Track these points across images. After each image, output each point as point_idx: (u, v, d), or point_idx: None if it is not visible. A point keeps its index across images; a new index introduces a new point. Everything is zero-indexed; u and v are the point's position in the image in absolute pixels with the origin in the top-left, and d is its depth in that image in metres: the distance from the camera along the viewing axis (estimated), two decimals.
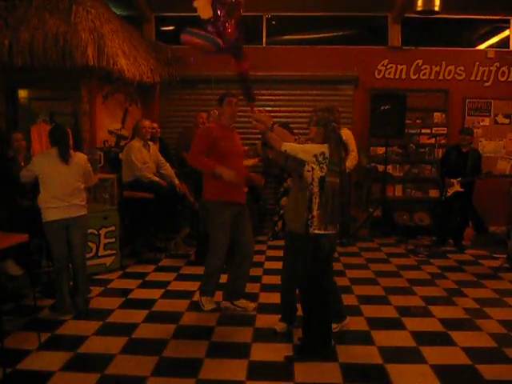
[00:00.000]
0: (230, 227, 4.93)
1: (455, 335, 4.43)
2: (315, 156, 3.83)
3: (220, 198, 4.85)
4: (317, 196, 3.85)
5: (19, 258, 5.20)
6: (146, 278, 6.04)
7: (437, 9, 7.69)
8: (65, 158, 4.78)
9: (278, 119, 8.77)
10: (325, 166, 3.81)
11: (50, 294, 5.26)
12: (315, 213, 3.85)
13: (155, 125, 7.63)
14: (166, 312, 5.00)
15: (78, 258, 4.97)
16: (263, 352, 4.08)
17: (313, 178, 3.87)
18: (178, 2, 4.82)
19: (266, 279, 6.05)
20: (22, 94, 7.53)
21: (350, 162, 7.92)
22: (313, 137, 4.00)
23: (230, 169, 4.75)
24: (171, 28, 9.79)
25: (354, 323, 4.70)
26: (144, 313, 4.93)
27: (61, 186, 4.76)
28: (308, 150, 3.89)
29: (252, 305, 5.08)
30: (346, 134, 7.96)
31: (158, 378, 3.67)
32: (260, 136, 8.42)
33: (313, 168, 3.86)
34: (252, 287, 5.66)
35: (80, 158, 5.05)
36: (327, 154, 3.81)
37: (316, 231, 3.85)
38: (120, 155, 7.08)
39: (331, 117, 3.95)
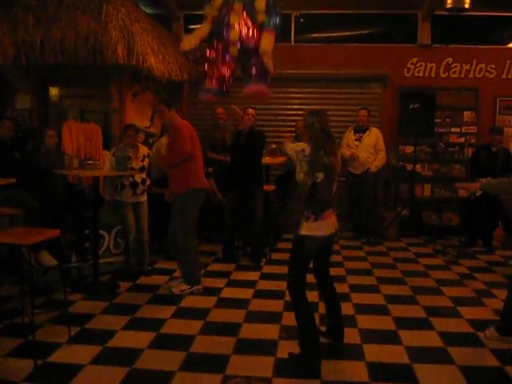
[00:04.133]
0: None
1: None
2: (296, 152, 3.86)
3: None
4: (304, 197, 3.85)
5: (51, 252, 5.29)
6: (174, 275, 6.09)
7: (467, 6, 7.58)
8: None
9: None
10: (305, 165, 3.80)
11: (79, 289, 5.36)
12: (304, 214, 3.85)
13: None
14: (193, 308, 5.04)
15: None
16: (290, 349, 4.09)
17: (303, 180, 3.87)
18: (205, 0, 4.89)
19: None
20: (53, 91, 7.64)
21: (379, 161, 7.92)
22: (305, 141, 3.98)
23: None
24: (199, 27, 9.82)
25: (381, 322, 4.69)
26: (172, 308, 4.98)
27: None
28: (291, 147, 4.01)
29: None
30: (375, 133, 7.97)
31: (185, 373, 3.71)
32: (294, 134, 8.45)
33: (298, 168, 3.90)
34: (279, 285, 5.68)
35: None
36: (307, 152, 3.80)
37: (303, 233, 3.83)
38: (149, 152, 7.13)
39: (315, 119, 3.92)
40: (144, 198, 6.20)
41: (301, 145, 3.93)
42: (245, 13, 4.37)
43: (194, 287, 5.44)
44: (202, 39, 4.55)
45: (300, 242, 3.84)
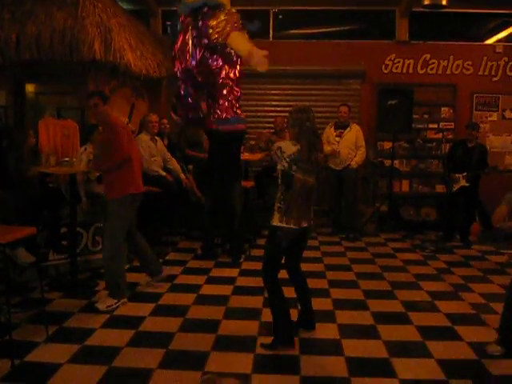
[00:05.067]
0: None
1: (461, 330, 4.43)
2: (278, 149, 3.94)
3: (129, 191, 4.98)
4: (280, 190, 3.96)
5: (28, 250, 5.24)
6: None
7: (444, 3, 7.65)
8: None
9: (285, 114, 8.83)
10: (285, 162, 3.90)
11: (57, 287, 5.31)
12: (276, 206, 3.95)
13: (164, 120, 7.65)
14: (172, 305, 5.02)
15: None
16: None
17: (279, 172, 4.00)
18: None
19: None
20: (29, 88, 7.55)
21: (359, 157, 7.97)
22: (290, 138, 4.07)
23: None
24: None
25: (360, 317, 4.72)
26: (150, 306, 4.96)
27: None
28: (275, 145, 4.04)
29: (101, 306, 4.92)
30: (356, 129, 8.01)
31: (165, 370, 3.69)
32: (272, 130, 8.47)
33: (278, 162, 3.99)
34: (258, 281, 5.68)
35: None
36: (284, 149, 3.91)
37: (275, 223, 3.94)
38: None
39: (304, 117, 3.97)
40: None
41: (279, 142, 4.06)
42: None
43: (120, 301, 4.96)
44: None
45: (272, 233, 4.01)
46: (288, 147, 3.92)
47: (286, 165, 3.90)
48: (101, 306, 4.83)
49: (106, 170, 4.96)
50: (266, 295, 5.14)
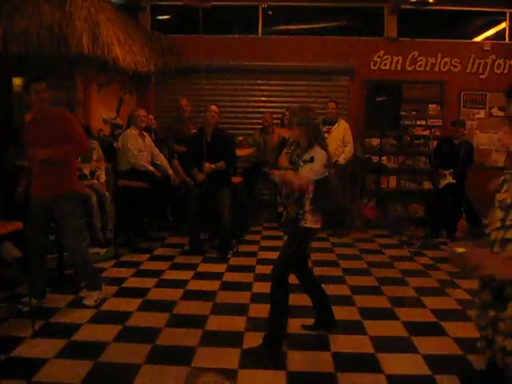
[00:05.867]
0: None
1: (447, 325, 4.46)
2: (319, 172, 3.86)
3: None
4: (310, 192, 3.88)
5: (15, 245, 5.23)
6: (140, 267, 6.06)
7: (431, 0, 7.69)
8: None
9: (275, 109, 8.86)
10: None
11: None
12: (307, 208, 3.88)
13: (151, 116, 7.65)
14: (159, 301, 5.02)
15: None
16: (256, 341, 4.10)
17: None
18: None
19: (260, 269, 6.07)
20: (17, 82, 7.49)
21: (346, 153, 7.99)
22: (297, 138, 4.02)
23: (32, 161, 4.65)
24: (166, 17, 9.77)
25: (347, 313, 4.74)
26: (138, 301, 4.95)
27: None
28: (320, 163, 3.86)
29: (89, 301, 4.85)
30: (344, 126, 8.03)
31: (151, 365, 3.69)
32: (260, 126, 8.45)
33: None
34: (246, 277, 5.71)
35: None
36: (327, 157, 3.88)
37: (308, 225, 3.89)
38: (115, 144, 7.09)
39: (311, 115, 3.98)
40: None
41: (321, 157, 3.89)
42: None
43: (102, 290, 4.96)
44: None
45: (304, 234, 3.94)
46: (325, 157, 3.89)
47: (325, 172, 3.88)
48: (89, 302, 4.80)
49: (69, 158, 4.69)
50: (255, 291, 5.19)
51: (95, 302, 4.81)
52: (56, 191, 4.54)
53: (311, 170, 3.84)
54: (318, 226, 3.96)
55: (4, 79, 7.29)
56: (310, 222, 3.89)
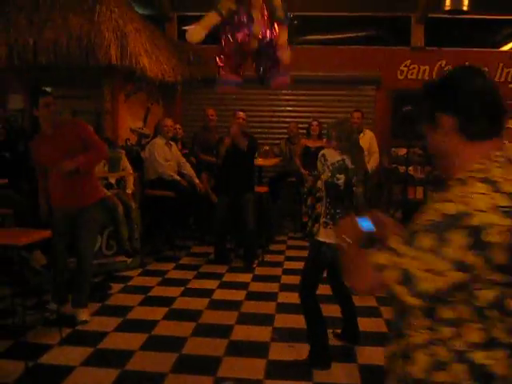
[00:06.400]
0: None
1: None
2: (321, 156, 3.82)
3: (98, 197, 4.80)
4: (323, 204, 3.84)
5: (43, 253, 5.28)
6: (166, 276, 6.08)
7: (465, 8, 7.58)
8: None
9: (300, 119, 8.85)
10: (326, 168, 3.78)
11: (71, 290, 5.33)
12: (321, 220, 3.84)
13: (177, 125, 7.70)
14: (185, 310, 5.03)
15: None
16: (281, 351, 4.08)
17: (321, 184, 3.88)
18: (199, 1, 4.87)
19: (285, 279, 6.04)
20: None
21: (372, 163, 7.90)
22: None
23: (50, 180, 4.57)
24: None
25: (373, 325, 4.68)
26: (164, 310, 4.96)
27: None
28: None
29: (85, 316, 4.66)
30: (369, 135, 7.97)
31: (177, 375, 3.70)
32: (286, 136, 8.44)
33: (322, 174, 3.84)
34: (271, 287, 5.69)
35: None
36: (328, 157, 3.78)
37: (320, 238, 3.83)
38: (142, 153, 7.15)
39: (350, 128, 3.93)
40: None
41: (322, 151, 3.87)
42: (265, 8, 4.40)
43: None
44: (210, 29, 4.46)
45: (319, 247, 3.84)
46: (332, 156, 3.78)
47: (329, 174, 3.75)
48: (85, 317, 4.63)
49: (91, 168, 4.69)
50: (280, 301, 5.17)
51: (88, 317, 4.66)
52: (82, 202, 4.53)
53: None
54: (331, 241, 3.67)
55: (33, 89, 7.42)
56: (322, 235, 3.81)
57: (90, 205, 4.59)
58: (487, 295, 1.36)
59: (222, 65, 4.53)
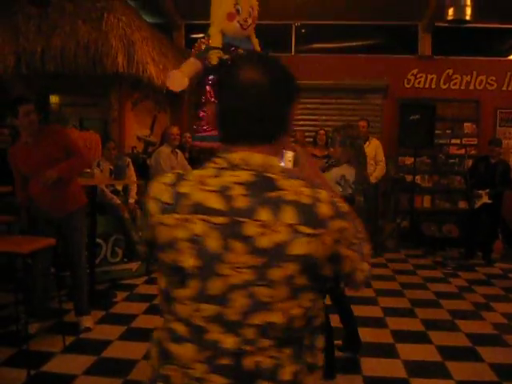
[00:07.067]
0: None
1: (482, 351, 4.33)
2: (337, 182, 3.69)
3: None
4: None
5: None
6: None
7: (468, 18, 7.57)
8: None
9: (307, 128, 8.84)
10: (348, 187, 3.69)
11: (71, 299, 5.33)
12: None
13: (187, 134, 7.68)
14: None
15: None
16: None
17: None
18: (207, 9, 4.87)
19: None
20: (54, 99, 7.67)
21: (378, 172, 7.88)
22: (338, 157, 3.86)
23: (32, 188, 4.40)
24: (200, 36, 9.86)
25: (379, 335, 4.65)
26: None
27: None
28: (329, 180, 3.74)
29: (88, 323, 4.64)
30: (375, 144, 7.93)
31: None
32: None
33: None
34: None
35: None
36: (348, 177, 3.69)
37: None
38: (148, 161, 7.15)
39: (354, 134, 3.86)
40: None
41: (334, 173, 3.75)
42: None
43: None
44: (193, 78, 4.42)
45: None
46: (350, 174, 3.72)
47: (350, 191, 3.69)
48: (89, 324, 4.62)
49: (76, 175, 4.64)
50: None
51: (92, 324, 4.65)
52: (67, 208, 4.46)
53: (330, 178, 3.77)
54: None
55: (41, 96, 7.47)
56: None
57: (76, 210, 4.53)
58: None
59: (203, 115, 4.47)
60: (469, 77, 9.09)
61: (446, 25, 8.14)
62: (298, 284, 1.20)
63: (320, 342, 1.36)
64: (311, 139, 8.45)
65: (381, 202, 8.69)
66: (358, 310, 5.19)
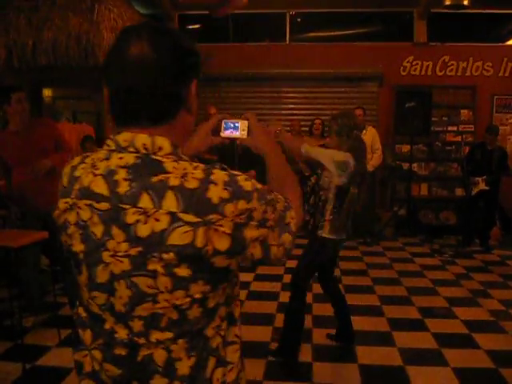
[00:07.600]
0: None
1: (479, 337, 4.33)
2: (336, 163, 3.61)
3: None
4: (331, 203, 3.75)
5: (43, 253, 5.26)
6: None
7: (466, 3, 7.52)
8: None
9: (303, 117, 8.80)
10: (344, 176, 3.65)
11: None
12: (327, 217, 3.77)
13: None
14: None
15: None
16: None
17: (329, 186, 3.74)
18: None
19: (287, 278, 5.97)
20: (46, 92, 7.62)
21: (375, 160, 7.87)
22: (334, 147, 3.77)
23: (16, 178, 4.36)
24: (194, 27, 9.81)
25: (375, 324, 4.64)
26: None
27: None
28: (329, 155, 3.67)
29: None
30: (372, 132, 7.91)
31: None
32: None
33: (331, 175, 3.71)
34: (273, 286, 5.65)
35: None
36: (351, 164, 3.64)
37: (324, 235, 3.77)
38: None
39: (351, 123, 3.78)
40: None
41: (340, 154, 3.66)
42: None
43: None
44: None
45: (322, 244, 3.82)
46: (351, 163, 3.66)
47: (345, 180, 3.67)
48: None
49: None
50: (282, 300, 5.12)
51: None
52: (53, 202, 4.40)
53: (314, 147, 3.82)
54: (334, 237, 3.77)
55: (34, 90, 7.42)
56: (327, 232, 3.76)
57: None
58: None
59: None
60: (465, 63, 9.03)
61: (442, 11, 8.09)
62: (180, 276, 1.12)
63: (232, 333, 1.33)
64: (307, 128, 8.41)
65: (378, 190, 8.66)
66: (355, 299, 5.20)
